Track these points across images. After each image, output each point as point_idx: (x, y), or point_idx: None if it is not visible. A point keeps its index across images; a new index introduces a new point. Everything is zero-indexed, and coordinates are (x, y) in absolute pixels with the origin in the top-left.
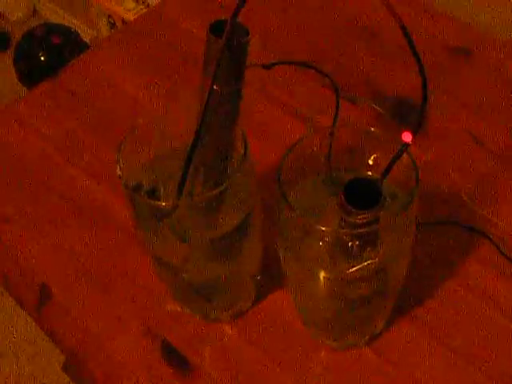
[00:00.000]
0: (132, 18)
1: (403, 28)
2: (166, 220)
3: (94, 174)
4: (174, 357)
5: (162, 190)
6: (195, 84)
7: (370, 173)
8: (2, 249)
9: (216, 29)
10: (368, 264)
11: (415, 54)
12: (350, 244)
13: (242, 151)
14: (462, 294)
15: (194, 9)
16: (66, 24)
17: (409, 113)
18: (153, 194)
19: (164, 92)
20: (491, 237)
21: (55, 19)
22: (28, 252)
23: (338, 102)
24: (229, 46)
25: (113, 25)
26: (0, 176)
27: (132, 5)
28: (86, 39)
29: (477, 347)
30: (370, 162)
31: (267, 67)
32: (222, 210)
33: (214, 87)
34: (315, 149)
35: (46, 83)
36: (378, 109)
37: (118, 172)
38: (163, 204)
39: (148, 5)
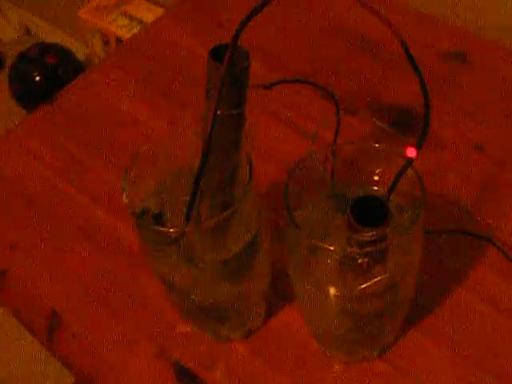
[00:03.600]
0: (125, 35)
1: (404, 44)
2: (174, 245)
3: (98, 197)
4: (186, 377)
5: (168, 213)
6: (195, 104)
7: (375, 188)
8: (10, 276)
9: (216, 53)
10: (378, 280)
11: (416, 69)
12: (359, 261)
13: (248, 173)
14: (471, 302)
15: (189, 26)
16: (60, 43)
17: (411, 122)
18: (160, 217)
19: (164, 113)
20: (497, 243)
21: (48, 38)
22: (35, 279)
23: (338, 118)
24: (230, 71)
25: (106, 42)
26: (2, 203)
27: (125, 22)
28: (81, 57)
29: (488, 355)
30: (376, 178)
31: (268, 88)
32: (230, 232)
33: (218, 112)
34: (319, 166)
35: (43, 107)
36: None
37: (125, 200)
38: (171, 231)
39: (141, 21)
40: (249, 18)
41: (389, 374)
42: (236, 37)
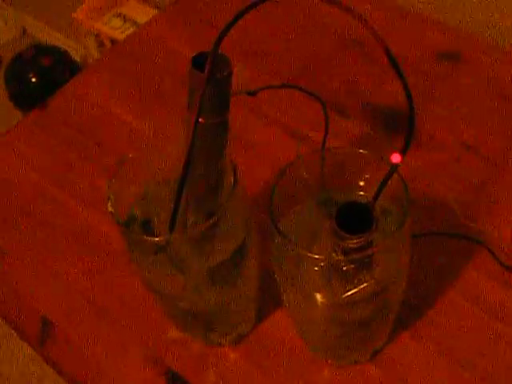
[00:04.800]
0: (119, 37)
1: (387, 51)
2: (161, 253)
3: (89, 202)
4: (177, 382)
5: (155, 220)
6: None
7: (362, 193)
8: (1, 283)
9: (198, 61)
10: (365, 286)
11: (401, 76)
12: (345, 268)
13: (232, 179)
14: (460, 304)
15: (182, 27)
16: (56, 44)
17: (403, 123)
18: (147, 224)
19: (156, 115)
20: (487, 244)
21: (44, 38)
22: (27, 285)
23: (326, 123)
24: (212, 79)
25: (101, 43)
26: None
27: (119, 23)
28: (76, 58)
29: (477, 357)
30: (361, 183)
31: (252, 94)
32: (217, 238)
33: (200, 120)
34: (306, 172)
35: (36, 111)
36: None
37: (110, 208)
38: (156, 239)
39: (135, 22)
40: (229, 26)
41: (380, 378)
42: (217, 44)
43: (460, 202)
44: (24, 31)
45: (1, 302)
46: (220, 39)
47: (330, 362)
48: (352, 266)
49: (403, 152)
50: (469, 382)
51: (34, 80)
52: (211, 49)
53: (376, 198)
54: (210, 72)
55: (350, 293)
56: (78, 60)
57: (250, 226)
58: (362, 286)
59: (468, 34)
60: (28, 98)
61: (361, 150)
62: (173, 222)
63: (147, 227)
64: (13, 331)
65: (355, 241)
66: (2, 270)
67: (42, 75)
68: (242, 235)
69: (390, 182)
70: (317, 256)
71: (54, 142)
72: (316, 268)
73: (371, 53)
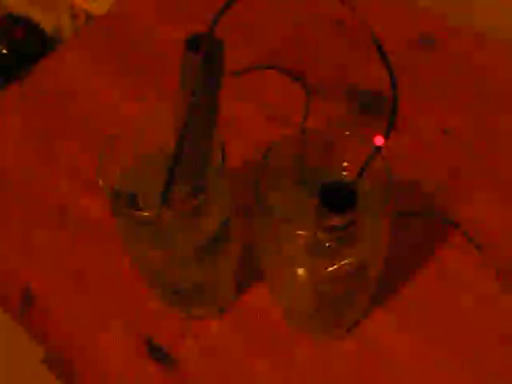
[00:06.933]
0: (95, 10)
1: (375, 39)
2: (147, 227)
3: (70, 175)
4: (158, 353)
5: (141, 194)
6: (167, 84)
7: (345, 173)
8: None
9: (191, 42)
10: (346, 263)
11: (388, 66)
12: (328, 245)
13: (220, 158)
14: (433, 282)
15: (164, 3)
16: (27, 14)
17: (385, 106)
18: (133, 199)
19: (137, 93)
20: (463, 226)
21: (16, 8)
22: (7, 254)
23: (307, 102)
24: (206, 60)
25: (75, 15)
26: None
27: None
28: (48, 30)
29: (446, 330)
30: (345, 164)
31: (237, 75)
32: (202, 215)
33: (193, 100)
34: (290, 152)
35: (14, 87)
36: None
37: (101, 183)
38: (146, 214)
39: None
40: (224, 8)
41: (355, 351)
42: (212, 27)
43: (437, 184)
44: None
45: None
46: (215, 21)
47: (307, 335)
48: (334, 243)
49: (386, 136)
50: (437, 357)
51: (4, 52)
52: (207, 30)
53: (359, 178)
54: (206, 53)
55: (332, 268)
56: (50, 32)
57: (233, 204)
58: (343, 262)
59: (442, 16)
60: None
61: (346, 132)
62: (164, 197)
63: (133, 201)
64: None
65: (338, 219)
66: None
67: (13, 47)
68: (226, 212)
69: (372, 164)
70: (301, 232)
71: (33, 116)
72: (298, 244)
73: (354, 35)
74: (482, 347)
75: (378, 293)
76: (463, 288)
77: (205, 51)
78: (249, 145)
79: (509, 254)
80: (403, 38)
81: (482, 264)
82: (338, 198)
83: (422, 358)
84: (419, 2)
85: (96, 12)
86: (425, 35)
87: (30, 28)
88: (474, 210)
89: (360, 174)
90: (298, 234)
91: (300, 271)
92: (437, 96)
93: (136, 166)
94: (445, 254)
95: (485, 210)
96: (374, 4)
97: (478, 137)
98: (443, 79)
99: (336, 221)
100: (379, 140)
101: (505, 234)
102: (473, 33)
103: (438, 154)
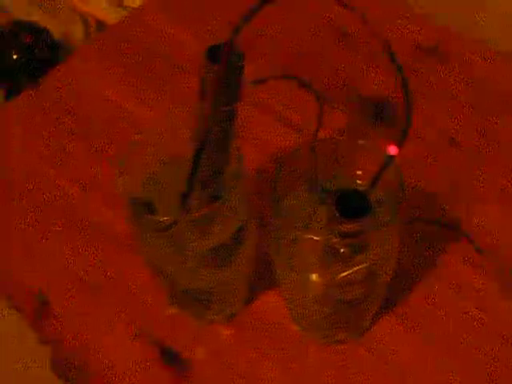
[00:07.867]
0: (107, 18)
1: (388, 47)
2: (164, 232)
3: (82, 182)
4: (169, 358)
5: (157, 202)
6: (183, 92)
7: (358, 181)
8: None
9: (210, 53)
10: (358, 269)
11: (400, 71)
12: (341, 251)
13: (237, 165)
14: (441, 289)
15: (175, 12)
16: (36, 21)
17: (391, 114)
18: (149, 206)
19: (151, 101)
20: (467, 234)
21: (20, 15)
22: (18, 261)
23: (321, 113)
24: (226, 71)
25: (86, 22)
26: None
27: (104, 4)
28: (57, 36)
29: (447, 336)
30: (359, 172)
31: (254, 84)
32: (218, 221)
33: (213, 112)
34: (304, 160)
35: (27, 93)
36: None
37: (119, 189)
38: (164, 219)
39: (122, 3)
40: (246, 19)
41: (365, 356)
42: (233, 38)
43: (441, 192)
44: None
45: None
46: (237, 32)
47: (317, 340)
48: (348, 249)
49: (400, 145)
50: (444, 364)
51: (15, 57)
52: (228, 41)
53: (372, 187)
54: (226, 64)
55: (344, 274)
56: (59, 38)
57: (249, 210)
58: (355, 268)
59: (447, 27)
60: (9, 75)
61: (358, 140)
62: (183, 204)
63: (149, 208)
64: None
65: (353, 226)
66: None
67: (23, 52)
68: (242, 219)
69: (383, 174)
70: (315, 237)
71: (47, 124)
72: (312, 249)
73: (361, 46)
74: (483, 349)
75: (388, 300)
76: (464, 290)
77: (226, 62)
78: (264, 152)
79: (509, 257)
80: (409, 48)
81: (483, 266)
82: (352, 206)
83: (425, 360)
84: (420, 11)
85: (105, 18)
86: (431, 45)
87: (39, 34)
88: (478, 218)
89: (374, 183)
90: (312, 240)
91: (312, 276)
92: (442, 106)
93: (153, 173)
94: (449, 261)
95: (485, 214)
96: (375, 14)
97: (482, 146)
98: (451, 89)
99: (350, 227)
100: (393, 149)
101: (505, 236)
102: (478, 42)
103: (445, 164)
